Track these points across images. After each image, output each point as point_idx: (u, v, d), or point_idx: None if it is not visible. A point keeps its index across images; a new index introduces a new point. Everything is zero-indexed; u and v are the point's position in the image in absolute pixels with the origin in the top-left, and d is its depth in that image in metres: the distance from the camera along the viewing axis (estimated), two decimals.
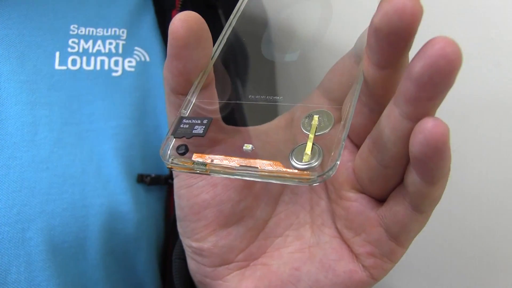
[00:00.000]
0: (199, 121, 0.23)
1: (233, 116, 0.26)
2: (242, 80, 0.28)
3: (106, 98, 0.39)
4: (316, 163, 0.21)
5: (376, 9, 0.22)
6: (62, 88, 0.37)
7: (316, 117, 0.23)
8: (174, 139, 0.23)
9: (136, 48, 0.41)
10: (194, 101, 0.24)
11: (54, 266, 0.34)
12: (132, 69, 0.40)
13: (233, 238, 0.28)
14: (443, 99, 0.19)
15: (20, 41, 0.37)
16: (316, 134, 0.22)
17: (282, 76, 0.28)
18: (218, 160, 0.22)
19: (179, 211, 0.29)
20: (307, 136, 0.22)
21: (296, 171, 0.21)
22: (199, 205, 0.27)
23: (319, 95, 0.26)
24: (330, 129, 0.22)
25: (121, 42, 0.40)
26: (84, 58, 0.38)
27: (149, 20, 0.42)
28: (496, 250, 0.47)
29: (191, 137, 0.23)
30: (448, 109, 0.47)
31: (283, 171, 0.21)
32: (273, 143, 0.25)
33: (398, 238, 0.24)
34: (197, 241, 0.28)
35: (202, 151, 0.23)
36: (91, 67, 0.38)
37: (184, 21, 0.22)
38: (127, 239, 0.38)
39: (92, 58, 0.39)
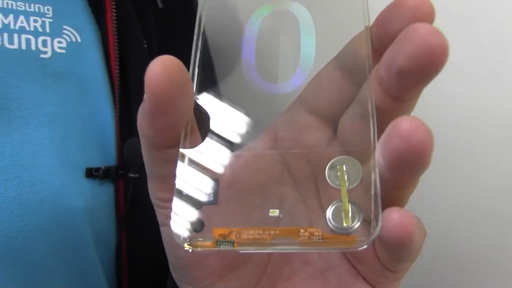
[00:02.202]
0: (205, 185, 0.21)
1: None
2: (227, 115, 0.25)
3: (36, 81, 0.35)
4: (358, 224, 0.19)
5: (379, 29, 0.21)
6: None
7: (342, 168, 0.21)
8: (183, 213, 0.20)
9: (65, 27, 0.37)
10: (188, 156, 0.21)
11: None
12: (63, 51, 0.37)
13: (242, 280, 0.25)
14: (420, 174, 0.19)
15: None
16: (348, 187, 0.20)
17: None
18: (245, 233, 0.20)
19: (175, 260, 0.25)
20: (338, 191, 0.20)
21: (340, 236, 0.19)
22: (201, 253, 0.24)
23: (302, 111, 0.24)
24: (361, 179, 0.20)
25: (47, 20, 0.36)
26: (6, 35, 0.34)
27: None
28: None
29: (201, 206, 0.20)
30: (443, 116, 0.48)
31: (325, 239, 0.19)
32: (298, 200, 0.22)
33: (394, 271, 0.23)
34: None
35: (219, 222, 0.20)
36: (15, 46, 0.34)
37: (164, 72, 0.19)
38: (75, 236, 0.34)
39: (15, 36, 0.35)
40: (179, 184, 0.21)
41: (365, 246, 0.18)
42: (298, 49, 0.24)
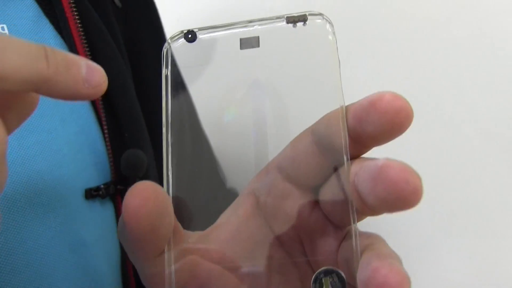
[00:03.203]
0: None
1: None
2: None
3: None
4: None
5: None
6: None
7: (327, 281, 0.21)
8: None
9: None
10: (174, 269, 0.22)
11: None
12: None
13: None
14: None
15: None
16: None
17: None
18: None
19: None
20: None
21: None
22: None
23: (281, 178, 0.24)
24: None
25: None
26: None
27: (28, 7, 0.34)
28: None
29: None
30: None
31: None
32: None
33: None
34: None
35: None
36: None
37: (141, 205, 0.19)
38: (90, 271, 0.34)
39: None
40: None
41: None
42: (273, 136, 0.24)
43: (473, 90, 0.51)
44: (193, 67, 0.23)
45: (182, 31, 0.23)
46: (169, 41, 0.23)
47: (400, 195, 0.18)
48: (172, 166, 0.23)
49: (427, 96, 0.52)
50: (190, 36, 0.23)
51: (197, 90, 0.24)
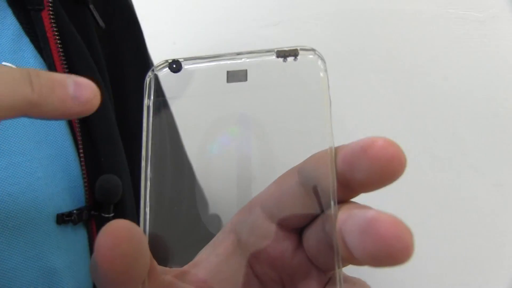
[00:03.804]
0: None
1: None
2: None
3: None
4: None
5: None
6: None
7: None
8: None
9: (4, 64, 0.32)
10: None
11: None
12: None
13: None
14: None
15: None
16: None
17: None
18: None
19: None
20: None
21: None
22: None
23: (264, 217, 0.23)
24: None
25: None
26: None
27: (8, 26, 0.33)
28: None
29: None
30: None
31: None
32: None
33: None
34: None
35: None
36: None
37: (114, 246, 0.18)
38: None
39: None
40: None
41: None
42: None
43: (470, 128, 0.51)
44: (177, 99, 0.22)
45: (166, 60, 0.22)
46: (153, 70, 0.22)
47: (390, 251, 0.17)
48: (150, 202, 0.21)
49: (419, 137, 0.52)
50: (175, 66, 0.22)
51: (179, 123, 0.22)
